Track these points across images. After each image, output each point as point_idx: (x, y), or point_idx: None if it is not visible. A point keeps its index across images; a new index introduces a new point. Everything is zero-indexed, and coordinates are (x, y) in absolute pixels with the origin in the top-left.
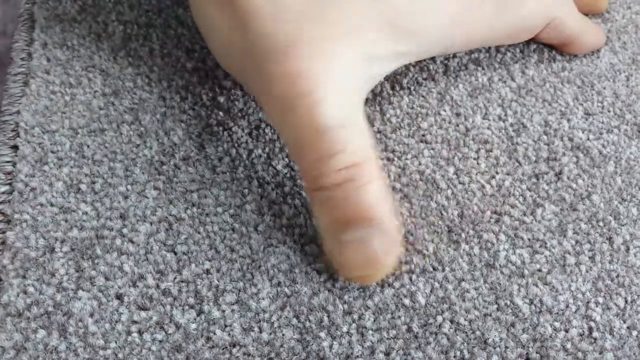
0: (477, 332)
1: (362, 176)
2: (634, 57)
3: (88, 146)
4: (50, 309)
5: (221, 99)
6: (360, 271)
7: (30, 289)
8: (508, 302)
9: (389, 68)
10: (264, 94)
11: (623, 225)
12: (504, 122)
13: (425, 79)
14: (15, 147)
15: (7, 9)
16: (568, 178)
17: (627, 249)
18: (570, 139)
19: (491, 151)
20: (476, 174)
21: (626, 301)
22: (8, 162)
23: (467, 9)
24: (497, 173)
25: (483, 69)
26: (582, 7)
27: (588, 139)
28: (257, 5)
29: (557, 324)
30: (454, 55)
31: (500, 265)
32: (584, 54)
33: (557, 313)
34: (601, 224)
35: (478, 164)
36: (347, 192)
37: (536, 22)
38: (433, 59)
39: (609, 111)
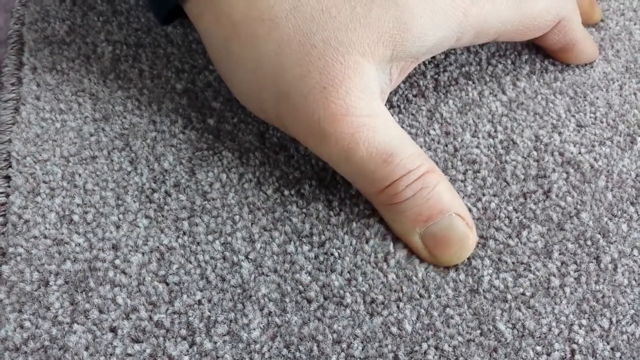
0: (461, 358)
1: (432, 180)
2: (627, 66)
3: (79, 175)
4: (46, 343)
5: (211, 122)
6: (455, 252)
7: (27, 324)
8: (491, 327)
9: (395, 74)
10: (310, 135)
11: (612, 243)
12: (493, 139)
13: (415, 96)
14: (7, 178)
15: (8, 17)
16: (557, 196)
17: (615, 268)
18: (561, 154)
19: (479, 172)
20: (462, 198)
21: (611, 322)
22: (1, 193)
23: (481, 1)
24: (483, 195)
25: (474, 82)
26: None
27: (579, 153)
28: (283, 44)
29: (539, 348)
30: (444, 70)
31: (483, 291)
32: (577, 64)
33: (540, 337)
34: (589, 242)
35: (465, 186)
36: (422, 198)
37: (548, 19)
38: (423, 73)
39: (601, 122)
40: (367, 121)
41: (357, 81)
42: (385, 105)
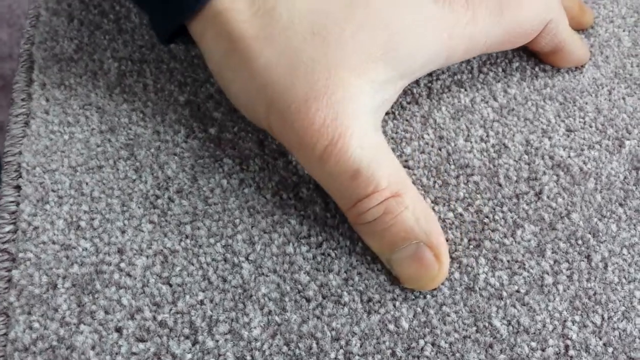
0: (457, 354)
1: (398, 206)
2: (616, 71)
3: (87, 183)
4: (54, 343)
5: (212, 131)
6: (417, 282)
7: (36, 325)
8: (487, 324)
9: (394, 91)
10: (292, 144)
11: (602, 243)
12: (485, 143)
13: (409, 103)
14: (18, 187)
15: (12, 32)
16: (548, 197)
17: (605, 266)
18: (551, 157)
19: (471, 175)
20: (455, 201)
21: (603, 318)
22: (12, 202)
23: (464, 21)
24: (477, 197)
25: (466, 90)
26: (568, 19)
27: (569, 156)
28: (272, 60)
29: (533, 344)
30: (437, 78)
31: (479, 288)
32: (567, 69)
33: (534, 333)
34: (580, 242)
35: (457, 190)
36: (385, 223)
37: (533, 25)
38: (417, 82)
39: (590, 127)
40: (344, 135)
41: (341, 95)
42: None
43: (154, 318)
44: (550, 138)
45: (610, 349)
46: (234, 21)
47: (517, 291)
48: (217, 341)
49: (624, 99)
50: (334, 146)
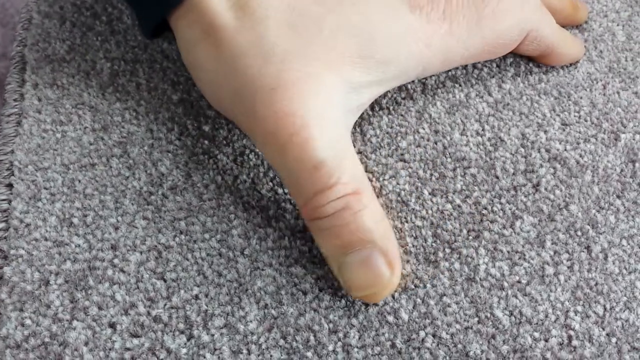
0: (459, 345)
1: (358, 203)
2: (610, 65)
3: (79, 181)
4: (46, 339)
5: (206, 128)
6: (366, 290)
7: (28, 321)
8: (488, 315)
9: (369, 96)
10: (256, 133)
11: (601, 234)
12: (481, 137)
13: (403, 99)
14: (10, 186)
15: (6, 31)
16: (546, 189)
17: (605, 257)
18: (548, 150)
19: (468, 168)
20: (452, 193)
21: (605, 308)
22: (4, 200)
23: (440, 32)
24: (473, 191)
25: (460, 85)
26: (561, 19)
27: (565, 150)
28: (243, 48)
29: (536, 334)
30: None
31: (480, 279)
32: (562, 65)
33: (537, 323)
34: (579, 233)
35: (455, 183)
36: (344, 219)
37: (512, 36)
38: None
39: (585, 120)
40: (309, 126)
41: (311, 88)
42: (375, 107)
43: (148, 313)
44: (546, 132)
45: (613, 339)
46: (209, 11)
47: (519, 281)
48: (213, 335)
49: (618, 93)
50: (298, 136)
